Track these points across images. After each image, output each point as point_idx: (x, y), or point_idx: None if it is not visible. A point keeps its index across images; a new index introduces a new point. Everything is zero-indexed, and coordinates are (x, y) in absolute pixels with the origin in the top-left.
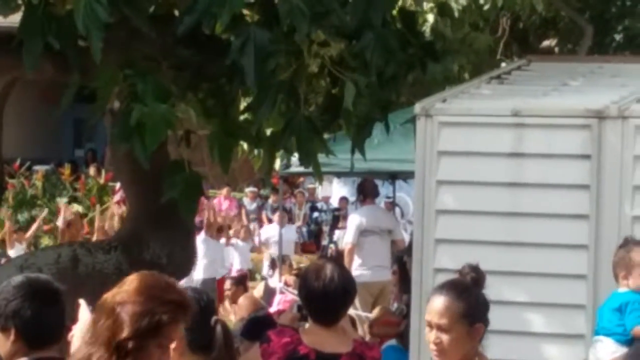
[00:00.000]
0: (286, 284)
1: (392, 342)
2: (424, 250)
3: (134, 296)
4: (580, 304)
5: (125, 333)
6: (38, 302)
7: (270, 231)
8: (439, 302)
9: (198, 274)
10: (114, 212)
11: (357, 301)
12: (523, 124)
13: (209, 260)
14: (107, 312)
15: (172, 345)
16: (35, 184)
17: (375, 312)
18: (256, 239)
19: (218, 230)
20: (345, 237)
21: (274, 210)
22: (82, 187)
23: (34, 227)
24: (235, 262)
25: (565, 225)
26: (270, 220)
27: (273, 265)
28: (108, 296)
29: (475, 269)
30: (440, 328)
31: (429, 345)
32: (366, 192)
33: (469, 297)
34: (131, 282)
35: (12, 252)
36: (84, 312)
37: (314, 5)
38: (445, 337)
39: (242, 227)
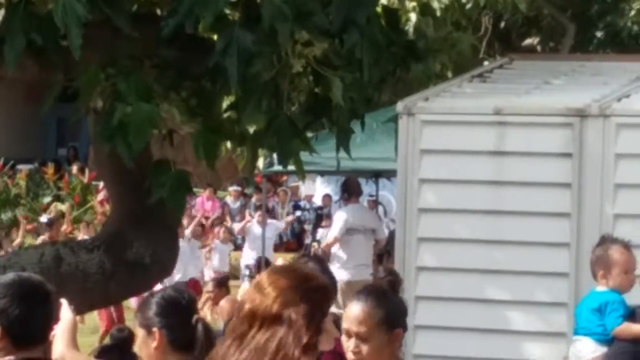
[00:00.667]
0: None
1: None
2: (406, 249)
3: (292, 295)
4: (562, 301)
5: (307, 337)
6: (27, 301)
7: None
8: (357, 309)
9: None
10: (97, 210)
11: (340, 299)
12: (505, 122)
13: (184, 262)
14: (270, 322)
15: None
16: (18, 183)
17: None
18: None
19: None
20: (330, 231)
21: (257, 209)
22: (66, 186)
23: (20, 233)
24: (214, 264)
25: (547, 223)
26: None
27: (258, 265)
28: (254, 306)
29: (392, 272)
30: (359, 336)
31: (347, 354)
32: (350, 190)
33: (388, 303)
34: (274, 282)
35: None
36: (66, 312)
37: (296, 6)
38: (364, 346)
39: (222, 228)
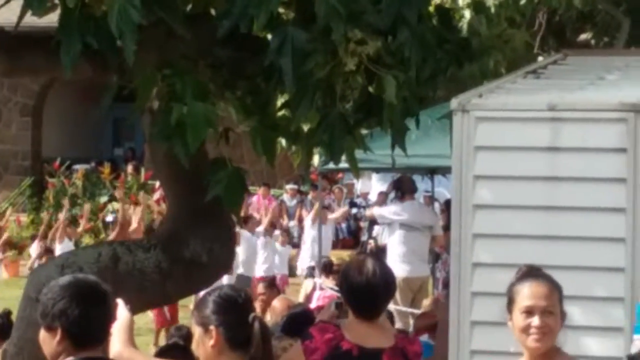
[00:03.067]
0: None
1: (425, 337)
2: (462, 245)
3: None
4: (619, 296)
5: None
6: (85, 302)
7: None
8: (541, 286)
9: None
10: (154, 209)
11: (397, 296)
12: (559, 118)
13: (246, 256)
14: None
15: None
16: (75, 183)
17: (426, 302)
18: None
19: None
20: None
21: (312, 207)
22: (122, 186)
23: (83, 222)
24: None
25: (602, 218)
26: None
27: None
28: None
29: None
30: (546, 310)
31: (527, 332)
32: (404, 188)
33: (559, 283)
34: None
35: (59, 247)
36: (122, 311)
37: (349, 5)
38: (551, 320)
39: (281, 232)
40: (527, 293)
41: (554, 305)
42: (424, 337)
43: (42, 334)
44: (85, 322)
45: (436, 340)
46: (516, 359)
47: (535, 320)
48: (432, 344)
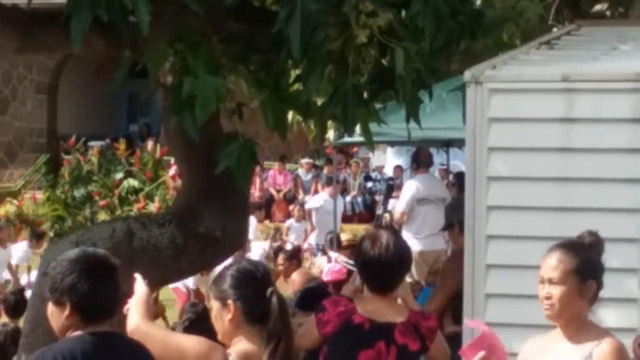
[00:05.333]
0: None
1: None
2: (475, 218)
3: None
4: (633, 267)
5: None
6: (94, 276)
7: (314, 201)
8: (552, 257)
9: None
10: (169, 185)
11: (413, 270)
12: (573, 89)
13: None
14: None
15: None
16: (90, 159)
17: None
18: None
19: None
20: (397, 205)
21: (328, 181)
22: (138, 162)
23: None
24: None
25: (616, 189)
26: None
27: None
28: None
29: (594, 234)
30: (551, 282)
31: (542, 303)
32: (420, 160)
33: (582, 255)
34: None
35: None
36: (140, 286)
37: None
38: (554, 291)
39: (296, 207)
40: (542, 263)
41: (561, 277)
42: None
43: (51, 308)
44: (93, 296)
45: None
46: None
47: (543, 291)
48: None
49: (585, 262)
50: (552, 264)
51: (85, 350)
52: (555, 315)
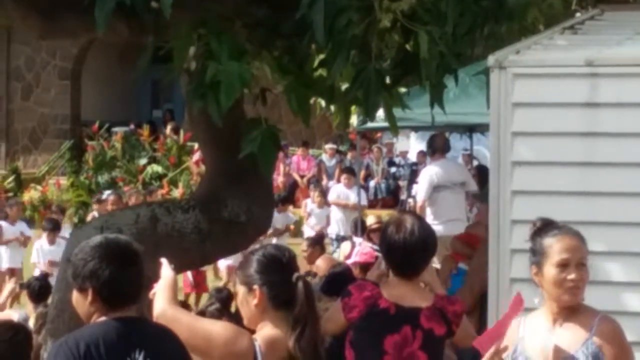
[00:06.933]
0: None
1: (462, 266)
2: (500, 203)
3: None
4: None
5: None
6: (116, 262)
7: (332, 194)
8: (574, 240)
9: None
10: (193, 171)
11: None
12: (597, 74)
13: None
14: None
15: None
16: (114, 145)
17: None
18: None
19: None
20: (417, 195)
21: (342, 172)
22: (161, 148)
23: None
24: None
25: None
26: (338, 180)
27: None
28: None
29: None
30: (580, 263)
31: (562, 285)
32: (435, 146)
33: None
34: None
35: None
36: (166, 270)
37: None
38: (584, 273)
39: (316, 192)
40: (561, 246)
41: (585, 257)
42: (462, 264)
43: (75, 295)
44: (115, 282)
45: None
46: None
47: (571, 274)
48: (463, 271)
49: (587, 245)
50: (577, 246)
51: (108, 335)
52: (578, 297)
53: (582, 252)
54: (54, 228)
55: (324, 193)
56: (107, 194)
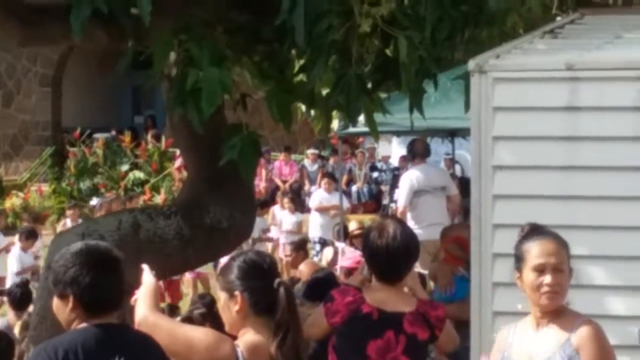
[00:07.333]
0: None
1: (461, 271)
2: (482, 207)
3: None
4: (639, 255)
5: None
6: (96, 269)
7: (313, 200)
8: (551, 244)
9: None
10: (175, 177)
11: None
12: (577, 78)
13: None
14: None
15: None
16: (96, 151)
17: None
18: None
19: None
20: (398, 201)
21: (334, 171)
22: (143, 154)
23: None
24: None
25: (622, 178)
26: (319, 185)
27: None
28: None
29: (539, 225)
30: (556, 268)
31: (539, 290)
32: (415, 151)
33: (565, 240)
34: None
35: None
36: (147, 277)
37: None
38: (561, 278)
39: (285, 199)
40: (538, 251)
41: (563, 262)
42: (461, 271)
43: (55, 302)
44: (96, 289)
45: None
46: (523, 317)
47: (547, 278)
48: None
49: (569, 249)
50: (553, 250)
51: (87, 342)
52: (556, 302)
53: (559, 256)
54: (28, 236)
55: (293, 199)
56: (96, 201)
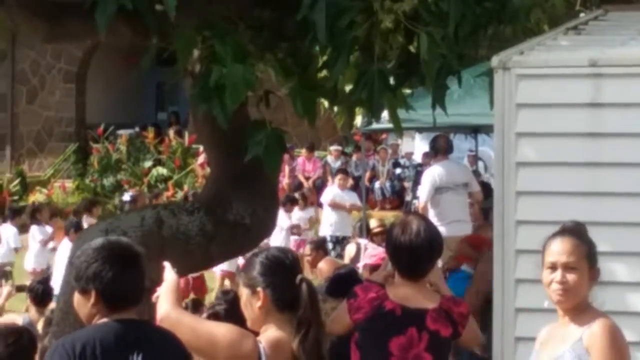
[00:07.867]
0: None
1: (466, 268)
2: (505, 203)
3: None
4: None
5: None
6: (118, 264)
7: (325, 196)
8: (565, 242)
9: None
10: (198, 173)
11: None
12: (601, 74)
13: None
14: None
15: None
16: (119, 148)
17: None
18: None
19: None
20: (420, 197)
21: (357, 168)
22: (166, 150)
23: None
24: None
25: None
26: (332, 181)
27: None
28: None
29: (579, 223)
30: (567, 267)
31: (550, 287)
32: (438, 147)
33: (590, 240)
34: None
35: None
36: (169, 274)
37: None
38: (571, 276)
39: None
40: (552, 249)
41: (577, 261)
42: (465, 268)
43: (77, 297)
44: (118, 284)
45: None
46: (553, 314)
47: (557, 276)
48: (471, 274)
49: (593, 247)
50: (567, 249)
51: (105, 337)
52: (566, 300)
53: (573, 255)
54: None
55: (304, 195)
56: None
